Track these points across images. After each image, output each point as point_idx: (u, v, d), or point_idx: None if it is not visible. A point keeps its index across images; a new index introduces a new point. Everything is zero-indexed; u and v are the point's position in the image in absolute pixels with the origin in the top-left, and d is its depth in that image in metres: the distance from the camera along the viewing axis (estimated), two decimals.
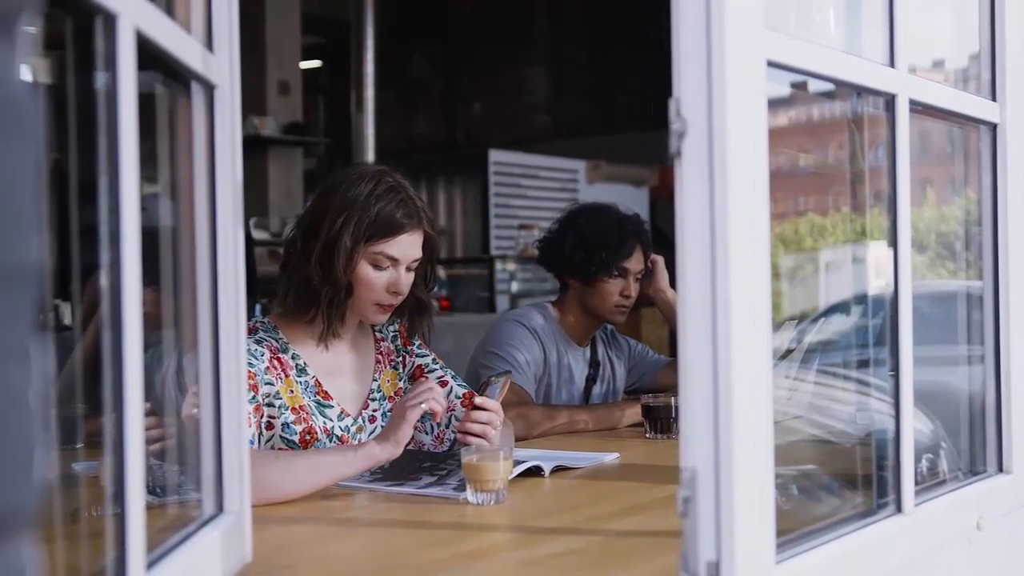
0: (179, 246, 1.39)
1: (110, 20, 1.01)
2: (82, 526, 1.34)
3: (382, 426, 2.33)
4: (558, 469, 2.21)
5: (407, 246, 2.25)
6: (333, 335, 2.30)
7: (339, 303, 2.24)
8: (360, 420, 2.33)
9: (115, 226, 1.02)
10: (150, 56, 1.13)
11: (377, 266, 2.24)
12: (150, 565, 1.11)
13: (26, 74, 0.61)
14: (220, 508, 1.39)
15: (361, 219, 2.20)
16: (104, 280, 1.03)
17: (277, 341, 2.25)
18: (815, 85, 1.57)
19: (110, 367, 1.02)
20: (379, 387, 2.39)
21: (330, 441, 2.24)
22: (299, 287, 2.24)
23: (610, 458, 2.38)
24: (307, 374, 2.27)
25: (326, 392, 2.28)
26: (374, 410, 2.37)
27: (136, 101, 1.05)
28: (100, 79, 1.03)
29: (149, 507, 1.09)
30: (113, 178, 1.02)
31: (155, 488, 1.39)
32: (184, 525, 1.32)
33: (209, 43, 1.37)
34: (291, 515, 1.86)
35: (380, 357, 2.42)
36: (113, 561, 1.03)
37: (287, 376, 2.23)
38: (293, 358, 2.26)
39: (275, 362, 2.20)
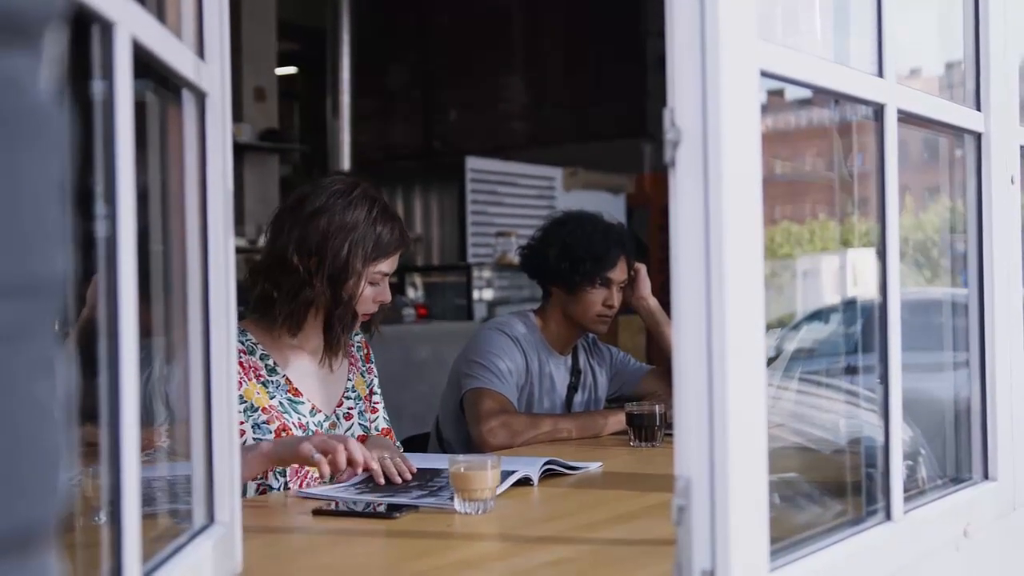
0: (169, 254, 1.38)
1: (107, 28, 1.00)
2: (70, 536, 1.33)
3: (359, 423, 2.44)
4: (548, 473, 2.22)
5: (396, 261, 2.38)
6: (341, 352, 2.39)
7: (350, 326, 2.33)
8: (334, 417, 2.39)
9: (111, 233, 1.01)
10: (143, 64, 1.12)
11: (372, 283, 2.33)
12: None
13: (51, 86, 0.60)
14: (211, 519, 1.38)
15: (366, 244, 2.29)
16: (100, 287, 1.02)
17: (243, 343, 2.27)
18: (791, 93, 1.58)
19: (106, 376, 1.02)
20: (353, 387, 2.47)
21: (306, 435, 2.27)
22: (304, 307, 2.29)
23: (594, 467, 2.38)
24: (278, 374, 2.31)
25: (297, 389, 2.33)
26: (349, 408, 2.44)
27: (132, 109, 1.04)
28: (96, 86, 1.02)
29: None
30: (109, 186, 1.01)
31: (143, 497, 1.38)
32: (175, 536, 1.31)
33: (200, 51, 1.36)
34: (281, 526, 1.85)
35: (352, 360, 2.50)
36: (108, 572, 1.02)
37: (251, 379, 2.27)
38: (262, 359, 2.30)
39: (236, 366, 2.22)
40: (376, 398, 2.54)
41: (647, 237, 7.49)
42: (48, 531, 0.58)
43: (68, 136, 0.61)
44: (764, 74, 1.26)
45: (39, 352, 0.57)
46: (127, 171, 1.03)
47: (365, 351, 2.55)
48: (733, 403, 1.17)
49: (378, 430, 2.44)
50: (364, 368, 2.53)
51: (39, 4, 0.57)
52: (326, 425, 2.35)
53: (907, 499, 1.59)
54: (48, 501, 0.57)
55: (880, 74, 1.54)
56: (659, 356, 3.38)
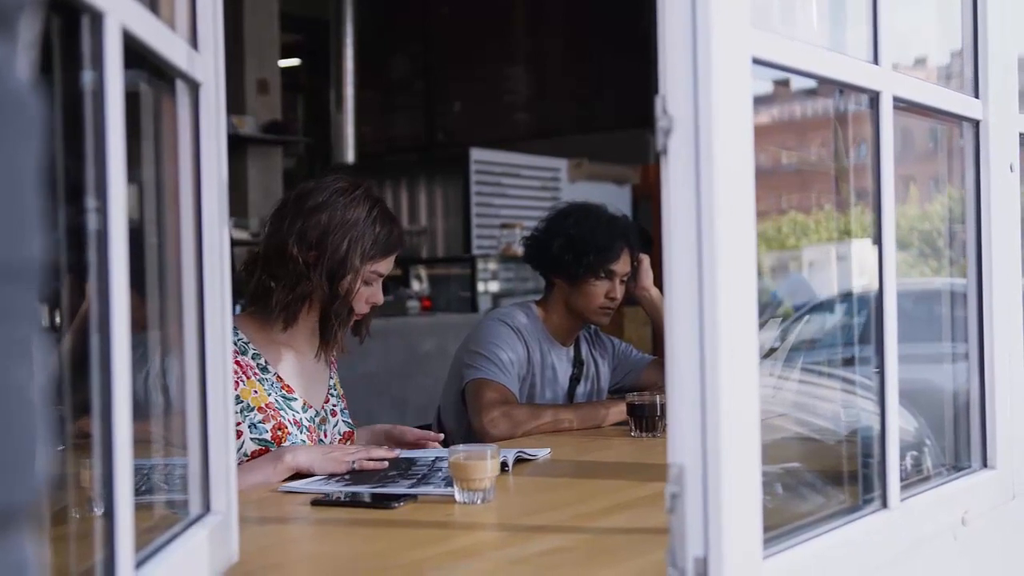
0: (164, 246, 1.39)
1: (97, 18, 1.00)
2: (66, 527, 1.33)
3: (343, 420, 2.48)
4: (519, 461, 2.28)
5: (392, 263, 2.40)
6: (333, 348, 2.41)
7: (346, 321, 2.36)
8: (323, 412, 2.43)
9: (103, 226, 1.01)
10: (135, 54, 1.12)
11: (367, 282, 2.35)
12: (138, 565, 1.10)
13: (26, 72, 0.61)
14: (207, 508, 1.39)
15: (365, 242, 2.31)
16: (91, 281, 1.02)
17: (235, 343, 2.28)
18: (797, 82, 1.57)
19: (98, 369, 1.02)
20: (334, 385, 2.51)
21: (300, 432, 2.31)
22: (300, 300, 2.31)
23: (543, 453, 2.40)
24: (269, 372, 2.33)
25: (288, 386, 2.35)
26: (333, 405, 2.48)
27: (123, 100, 1.04)
28: (86, 77, 1.03)
29: (135, 507, 1.08)
30: (100, 178, 1.02)
31: (139, 488, 1.38)
32: (170, 525, 1.32)
33: (194, 41, 1.36)
34: (278, 515, 1.85)
35: (332, 360, 2.53)
36: (102, 561, 1.02)
37: (248, 377, 2.28)
38: (253, 358, 2.33)
39: (234, 365, 2.24)
40: (341, 403, 2.57)
41: (653, 229, 7.48)
42: (24, 514, 0.58)
43: (43, 122, 0.61)
44: (757, 61, 1.26)
45: (16, 336, 0.57)
46: (118, 163, 1.03)
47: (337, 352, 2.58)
48: (725, 390, 1.18)
49: (340, 434, 2.46)
50: (336, 370, 2.57)
51: None
52: (317, 420, 2.38)
53: (905, 487, 1.59)
54: (24, 484, 0.58)
55: (875, 61, 1.54)
56: (663, 347, 3.37)
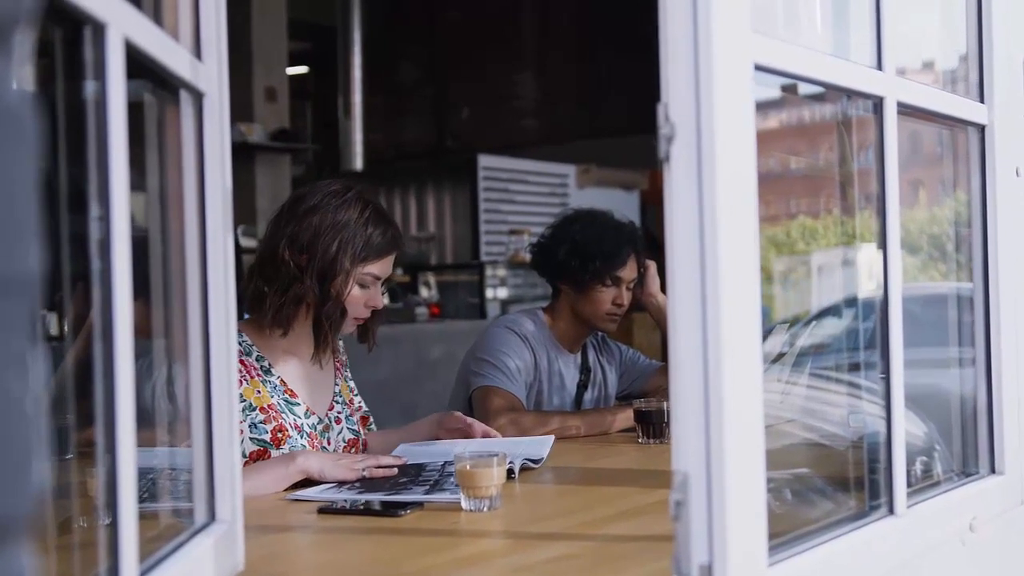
0: (168, 255, 1.39)
1: (99, 29, 1.01)
2: (73, 536, 1.34)
3: (347, 427, 2.47)
4: (525, 468, 2.27)
5: (389, 266, 2.40)
6: (330, 351, 2.42)
7: (337, 323, 2.34)
8: (327, 420, 2.42)
9: (105, 235, 1.02)
10: (138, 64, 1.13)
11: (362, 285, 2.35)
12: (143, 574, 1.10)
13: (23, 83, 0.61)
14: (212, 517, 1.39)
15: (356, 243, 2.31)
16: (95, 290, 1.03)
17: (240, 345, 2.29)
18: (805, 87, 1.57)
19: (101, 377, 1.02)
20: (339, 391, 2.50)
21: (300, 437, 2.32)
22: (292, 303, 2.31)
23: (548, 442, 2.43)
24: (273, 375, 2.34)
25: (292, 391, 2.36)
26: (338, 412, 2.48)
27: (125, 110, 1.04)
28: (89, 88, 1.03)
29: (140, 515, 1.09)
30: (103, 187, 1.02)
31: (143, 495, 1.39)
32: (176, 533, 1.32)
33: (197, 51, 1.37)
34: (283, 523, 1.85)
35: (338, 365, 2.53)
36: (106, 570, 1.02)
37: (252, 378, 2.29)
38: (258, 360, 2.33)
39: (238, 365, 2.25)
40: (359, 402, 2.58)
41: (661, 234, 7.46)
42: (21, 526, 0.58)
43: (40, 135, 0.61)
44: (759, 68, 1.26)
45: (12, 348, 0.57)
46: (120, 172, 1.04)
47: (344, 357, 2.60)
48: (729, 397, 1.17)
49: (344, 441, 2.47)
50: (346, 375, 2.57)
51: (8, 5, 0.58)
52: (320, 428, 2.38)
53: (912, 493, 1.59)
54: (21, 496, 0.58)
55: (879, 67, 1.54)
56: None
